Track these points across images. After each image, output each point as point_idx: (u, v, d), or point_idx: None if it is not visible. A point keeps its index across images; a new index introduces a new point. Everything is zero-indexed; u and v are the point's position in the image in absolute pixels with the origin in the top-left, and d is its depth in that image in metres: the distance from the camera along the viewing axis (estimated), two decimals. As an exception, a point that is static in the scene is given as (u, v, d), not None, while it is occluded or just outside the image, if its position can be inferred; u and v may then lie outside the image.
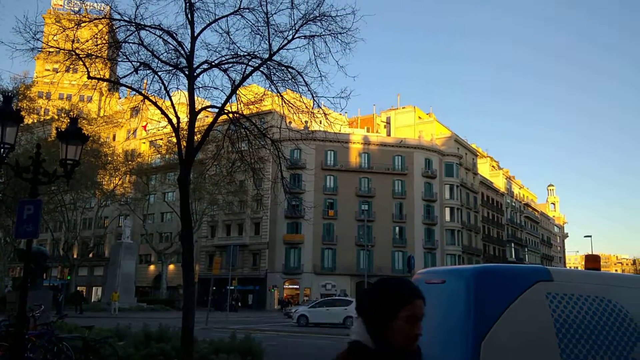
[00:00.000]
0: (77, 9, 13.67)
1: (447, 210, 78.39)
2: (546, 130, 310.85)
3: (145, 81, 13.49)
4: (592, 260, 5.81)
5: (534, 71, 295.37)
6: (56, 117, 50.22)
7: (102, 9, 13.56)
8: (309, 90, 14.11)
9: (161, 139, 63.87)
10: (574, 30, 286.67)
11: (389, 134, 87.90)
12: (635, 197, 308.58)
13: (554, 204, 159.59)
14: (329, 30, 13.62)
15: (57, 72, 13.20)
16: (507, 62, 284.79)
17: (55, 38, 12.79)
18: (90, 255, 71.69)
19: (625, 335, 4.75)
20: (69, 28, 12.49)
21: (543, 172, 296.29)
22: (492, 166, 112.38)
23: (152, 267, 76.52)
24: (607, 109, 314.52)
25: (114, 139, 78.82)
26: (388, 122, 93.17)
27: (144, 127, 74.84)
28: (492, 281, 4.82)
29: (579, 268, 6.55)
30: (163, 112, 13.85)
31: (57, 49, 12.60)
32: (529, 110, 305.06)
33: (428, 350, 5.34)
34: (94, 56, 12.52)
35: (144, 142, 77.30)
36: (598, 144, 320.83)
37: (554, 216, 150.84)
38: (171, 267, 68.54)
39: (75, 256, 65.07)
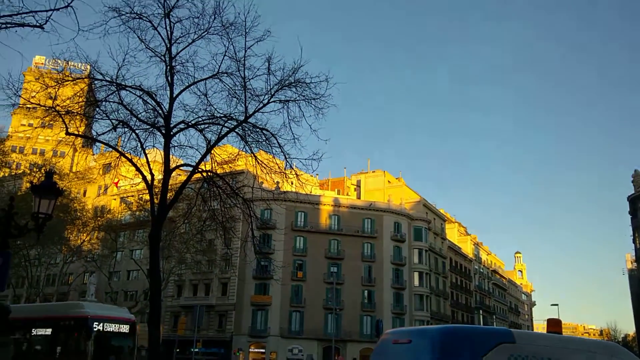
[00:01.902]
0: (58, 67, 13.98)
1: (416, 275, 78.43)
2: (513, 197, 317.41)
3: (120, 138, 13.75)
4: (554, 325, 6.01)
5: (504, 138, 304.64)
6: (28, 171, 49.70)
7: (83, 68, 13.92)
8: (282, 151, 14.56)
9: (132, 196, 63.25)
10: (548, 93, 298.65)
11: (359, 197, 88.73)
12: (600, 268, 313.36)
13: (521, 272, 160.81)
14: (303, 96, 14.24)
15: (33, 127, 13.35)
16: (475, 130, 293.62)
17: (34, 95, 13.02)
18: (51, 313, 68.95)
19: None
20: (51, 86, 12.77)
21: (509, 239, 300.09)
22: (460, 232, 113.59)
23: (114, 327, 73.86)
24: (572, 179, 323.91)
25: (84, 194, 77.76)
26: (358, 185, 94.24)
27: (116, 183, 74.13)
28: (457, 341, 4.98)
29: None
30: (138, 169, 14.04)
31: (37, 106, 12.79)
32: (497, 177, 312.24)
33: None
34: (73, 113, 12.76)
35: (115, 199, 76.38)
36: (564, 213, 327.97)
37: (521, 284, 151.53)
38: (135, 327, 66.33)
39: (36, 314, 62.52)
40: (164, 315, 66.72)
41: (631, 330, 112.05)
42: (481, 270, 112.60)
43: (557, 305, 73.41)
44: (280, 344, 66.46)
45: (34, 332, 21.84)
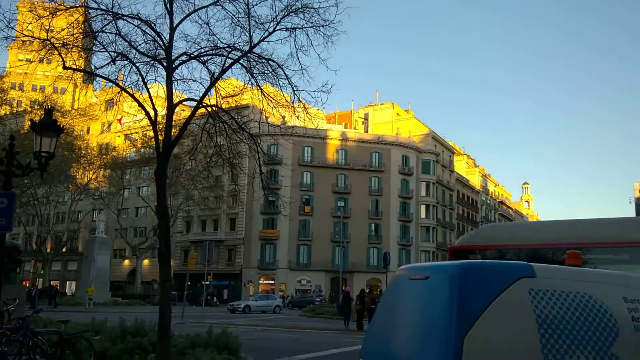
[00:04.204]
0: (51, -4, 13.38)
1: (423, 208, 79.02)
2: (523, 127, 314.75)
3: (121, 73, 13.25)
4: (573, 257, 5.82)
5: (516, 66, 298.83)
6: (29, 108, 49.31)
7: (78, -3, 13.31)
8: (289, 83, 13.97)
9: (137, 133, 63.08)
10: (563, 28, 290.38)
11: (366, 131, 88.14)
12: (608, 197, 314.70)
13: (527, 202, 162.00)
14: (311, 23, 13.49)
15: (30, 62, 12.85)
16: (488, 57, 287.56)
17: (29, 27, 12.45)
18: (64, 249, 70.67)
19: (605, 330, 4.78)
20: (44, 16, 12.15)
21: (517, 168, 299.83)
22: (469, 164, 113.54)
23: (126, 261, 75.65)
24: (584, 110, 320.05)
25: (88, 132, 77.61)
26: (366, 119, 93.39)
27: (119, 120, 73.75)
28: (477, 277, 4.81)
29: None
30: (140, 105, 13.58)
31: (32, 38, 12.25)
32: (508, 107, 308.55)
33: (410, 345, 5.33)
34: (69, 46, 12.22)
35: (119, 136, 76.24)
36: (574, 143, 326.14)
37: (527, 214, 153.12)
38: (146, 262, 67.85)
39: (48, 250, 64.11)
40: (174, 250, 68.01)
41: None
42: (488, 201, 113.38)
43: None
44: (289, 276, 67.98)
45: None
